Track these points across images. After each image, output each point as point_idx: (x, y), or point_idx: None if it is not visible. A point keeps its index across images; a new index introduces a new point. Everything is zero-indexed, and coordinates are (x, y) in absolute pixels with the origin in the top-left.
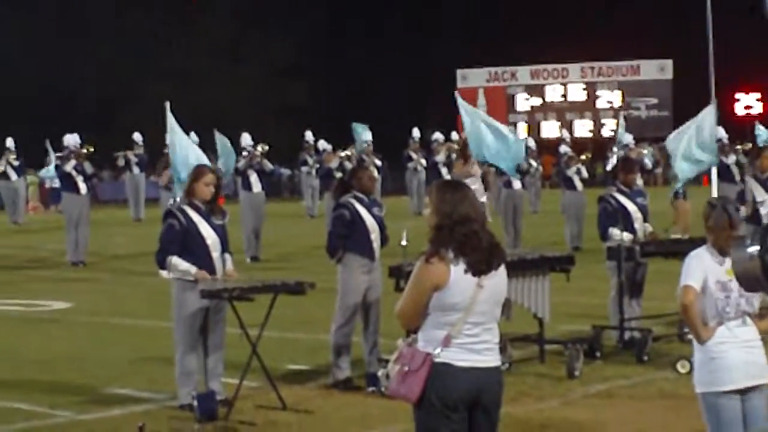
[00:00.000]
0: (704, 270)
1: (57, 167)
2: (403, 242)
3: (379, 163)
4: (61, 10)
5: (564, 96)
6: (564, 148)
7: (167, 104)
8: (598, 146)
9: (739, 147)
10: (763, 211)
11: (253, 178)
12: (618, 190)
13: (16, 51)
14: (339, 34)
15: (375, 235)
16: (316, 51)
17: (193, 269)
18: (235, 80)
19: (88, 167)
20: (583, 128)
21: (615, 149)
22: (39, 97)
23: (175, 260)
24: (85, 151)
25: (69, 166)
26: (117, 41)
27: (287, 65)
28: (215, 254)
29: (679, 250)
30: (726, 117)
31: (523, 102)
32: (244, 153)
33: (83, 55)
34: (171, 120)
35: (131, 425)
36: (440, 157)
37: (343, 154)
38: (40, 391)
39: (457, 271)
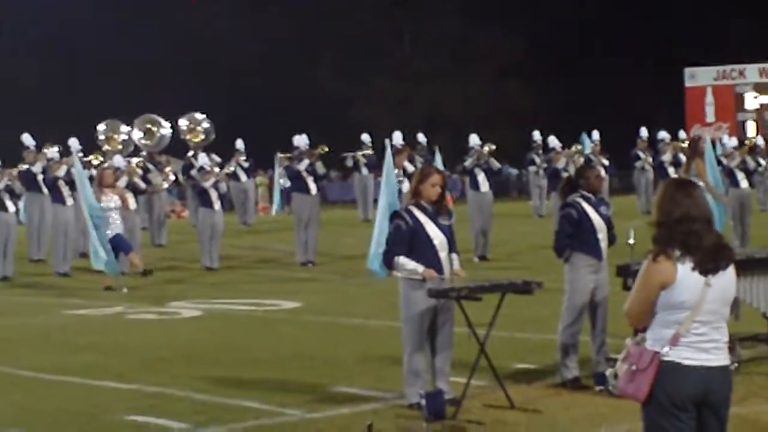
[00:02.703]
0: None
1: (287, 168)
2: (631, 241)
3: (606, 162)
4: (293, 14)
5: None
6: None
7: (388, 143)
8: None
9: None
10: None
11: (481, 177)
12: None
13: (246, 53)
14: (566, 33)
15: (602, 235)
16: (543, 50)
17: (421, 268)
18: (463, 79)
19: (320, 167)
20: None
21: None
22: (268, 98)
23: (402, 260)
24: (319, 151)
25: (302, 166)
26: (346, 41)
27: (515, 65)
28: (442, 254)
29: None
30: None
31: (752, 100)
32: (471, 152)
33: (312, 56)
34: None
35: (359, 424)
36: (666, 157)
37: (571, 150)
38: (270, 389)
39: (684, 269)
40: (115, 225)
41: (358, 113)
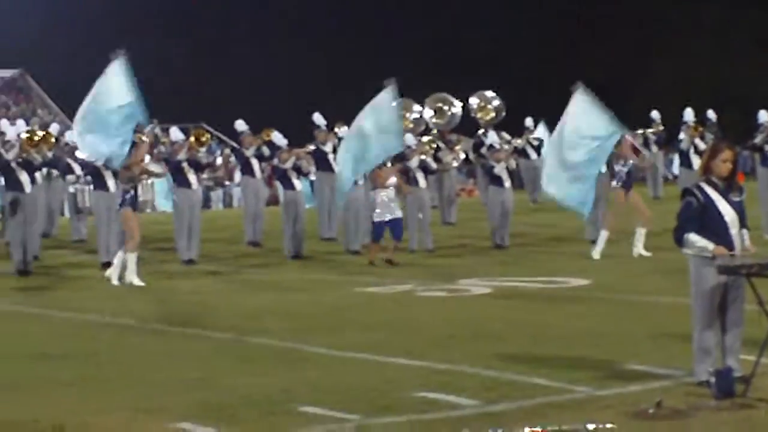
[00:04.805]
0: None
1: None
2: None
3: None
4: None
5: None
6: None
7: None
8: None
9: None
10: None
11: None
12: None
13: (521, 36)
14: None
15: None
16: None
17: (711, 245)
18: (746, 57)
19: None
20: None
21: None
22: (542, 78)
23: (692, 237)
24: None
25: None
26: (625, 21)
27: None
28: (733, 231)
29: None
30: None
31: None
32: (761, 128)
33: (589, 40)
34: None
35: (649, 401)
36: None
37: None
38: (559, 366)
39: None
40: (390, 207)
41: (644, 91)
